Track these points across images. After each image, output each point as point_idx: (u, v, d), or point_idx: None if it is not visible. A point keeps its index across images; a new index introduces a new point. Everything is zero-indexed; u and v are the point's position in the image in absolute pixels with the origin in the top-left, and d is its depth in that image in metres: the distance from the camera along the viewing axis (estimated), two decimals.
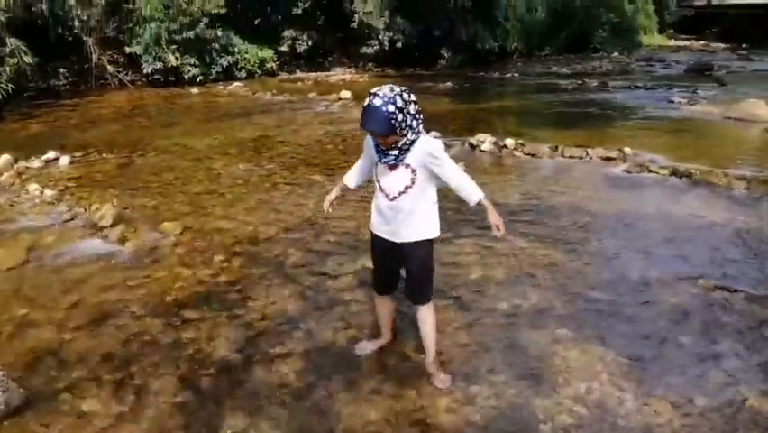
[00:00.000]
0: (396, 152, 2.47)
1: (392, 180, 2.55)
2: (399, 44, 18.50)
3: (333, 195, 2.85)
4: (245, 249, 4.47)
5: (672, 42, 32.03)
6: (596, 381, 2.79)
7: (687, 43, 31.78)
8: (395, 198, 2.56)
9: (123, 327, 3.36)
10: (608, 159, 6.89)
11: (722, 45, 29.86)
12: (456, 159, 6.88)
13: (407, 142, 2.45)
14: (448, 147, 7.78)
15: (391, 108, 2.32)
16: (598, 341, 3.11)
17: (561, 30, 24.61)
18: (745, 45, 28.75)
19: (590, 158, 6.99)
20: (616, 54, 24.34)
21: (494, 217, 2.52)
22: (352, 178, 2.84)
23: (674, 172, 6.25)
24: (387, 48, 18.61)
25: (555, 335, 3.18)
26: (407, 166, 2.51)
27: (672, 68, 19.18)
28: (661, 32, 33.86)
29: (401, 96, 2.36)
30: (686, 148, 7.43)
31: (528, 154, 7.24)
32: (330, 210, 2.86)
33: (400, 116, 2.34)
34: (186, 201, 5.66)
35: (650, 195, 5.65)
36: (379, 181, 2.62)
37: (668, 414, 2.53)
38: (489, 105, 11.85)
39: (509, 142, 7.47)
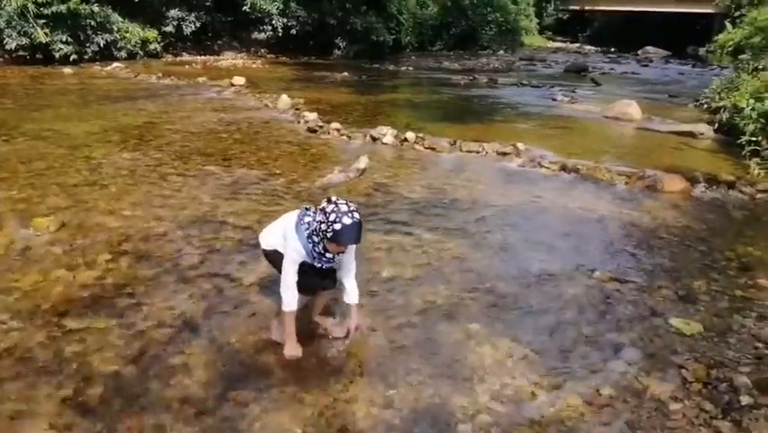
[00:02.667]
0: (340, 256, 2.75)
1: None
2: (294, 31, 18.11)
3: (293, 332, 2.81)
4: (135, 247, 4.07)
5: (551, 44, 34.27)
6: (509, 376, 2.82)
7: (563, 45, 34.18)
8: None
9: None
10: (503, 154, 7.14)
11: (593, 48, 32.42)
12: (359, 151, 6.86)
13: None
14: (350, 139, 7.71)
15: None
16: (508, 335, 3.16)
17: (451, 26, 25.45)
18: (613, 49, 31.40)
19: (486, 153, 7.21)
20: (501, 52, 25.60)
21: (357, 320, 2.95)
22: (295, 300, 2.76)
23: (563, 168, 6.59)
24: (281, 34, 18.15)
25: (468, 330, 3.19)
26: None
27: (552, 67, 20.46)
28: (540, 33, 36.11)
29: None
30: (572, 144, 7.88)
31: (428, 148, 7.31)
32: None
33: None
34: (62, 194, 5.06)
35: (544, 189, 5.90)
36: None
37: (579, 406, 2.61)
38: (387, 98, 11.89)
39: (410, 135, 7.49)
